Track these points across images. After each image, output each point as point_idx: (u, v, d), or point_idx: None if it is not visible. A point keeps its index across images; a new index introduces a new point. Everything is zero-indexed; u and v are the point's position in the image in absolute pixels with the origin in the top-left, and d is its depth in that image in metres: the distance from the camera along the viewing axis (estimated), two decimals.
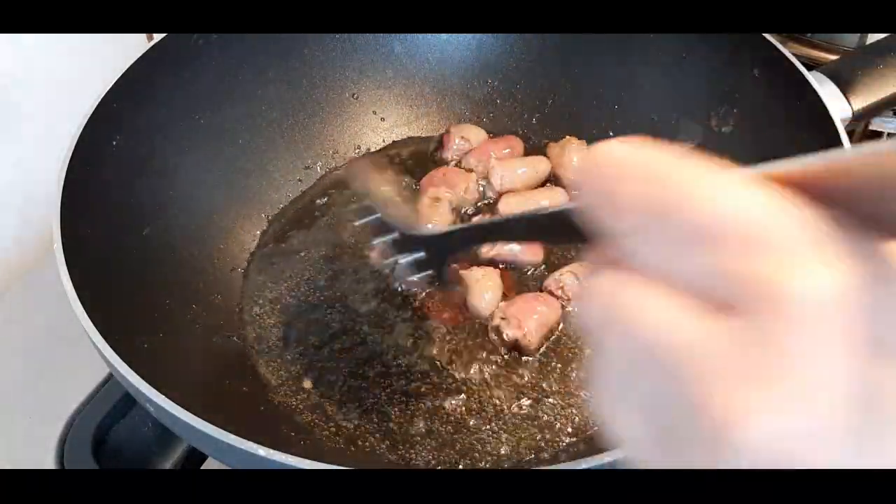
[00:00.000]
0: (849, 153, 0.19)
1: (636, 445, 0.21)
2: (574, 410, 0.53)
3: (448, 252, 0.44)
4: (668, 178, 0.21)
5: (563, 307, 0.57)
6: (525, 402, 0.53)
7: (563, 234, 0.27)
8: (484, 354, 0.56)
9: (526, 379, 0.55)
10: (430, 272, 0.45)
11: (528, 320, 0.55)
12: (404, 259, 0.45)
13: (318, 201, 0.68)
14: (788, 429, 0.18)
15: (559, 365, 0.55)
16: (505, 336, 0.55)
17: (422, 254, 0.45)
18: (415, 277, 0.45)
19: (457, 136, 0.69)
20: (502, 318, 0.56)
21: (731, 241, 0.19)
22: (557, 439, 0.52)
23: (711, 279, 0.20)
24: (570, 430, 0.52)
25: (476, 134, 0.70)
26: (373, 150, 0.72)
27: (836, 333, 0.18)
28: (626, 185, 0.21)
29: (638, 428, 0.21)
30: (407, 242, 0.46)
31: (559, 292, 0.57)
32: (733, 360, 0.18)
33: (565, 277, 0.57)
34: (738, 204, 0.19)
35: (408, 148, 0.72)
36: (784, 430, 0.18)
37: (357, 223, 0.50)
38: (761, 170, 0.20)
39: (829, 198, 0.20)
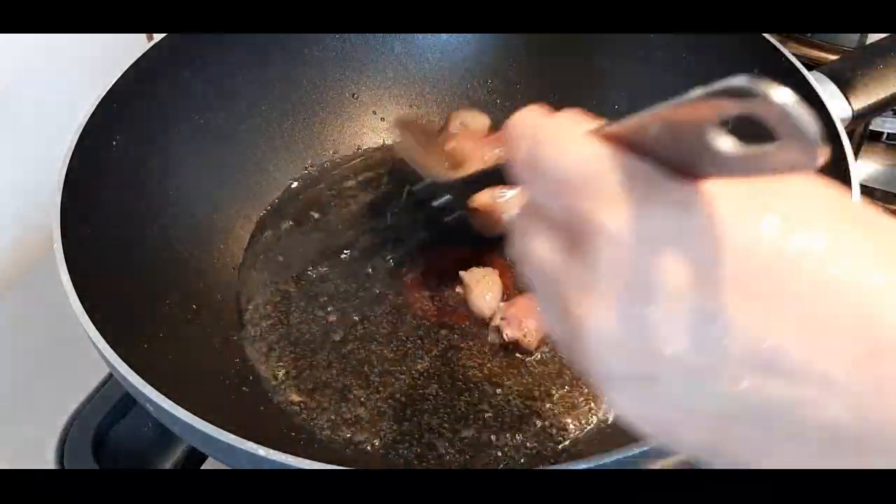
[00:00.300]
0: (651, 110, 0.24)
1: (556, 340, 0.28)
2: (573, 410, 0.53)
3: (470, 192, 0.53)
4: (537, 138, 0.27)
5: None
6: (525, 401, 0.53)
7: None
8: (484, 353, 0.56)
9: (526, 379, 0.55)
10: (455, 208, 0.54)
11: (528, 321, 0.55)
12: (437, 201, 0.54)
13: (318, 200, 0.68)
14: (610, 322, 0.24)
15: (559, 365, 0.55)
16: (505, 336, 0.55)
17: (448, 197, 0.54)
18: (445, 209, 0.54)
19: (456, 121, 0.69)
20: (502, 319, 0.56)
21: (568, 187, 0.26)
22: (558, 438, 0.52)
23: (564, 217, 0.26)
24: (570, 429, 0.52)
25: (478, 121, 0.69)
26: (373, 149, 0.72)
27: (628, 251, 0.24)
28: (519, 144, 0.28)
29: (555, 329, 0.28)
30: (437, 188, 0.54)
31: (510, 333, 0.56)
32: (578, 277, 0.25)
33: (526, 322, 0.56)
34: (574, 158, 0.26)
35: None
36: (609, 325, 0.24)
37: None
38: (598, 127, 0.26)
39: (644, 149, 0.25)
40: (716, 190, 0.23)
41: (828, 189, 0.24)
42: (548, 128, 0.28)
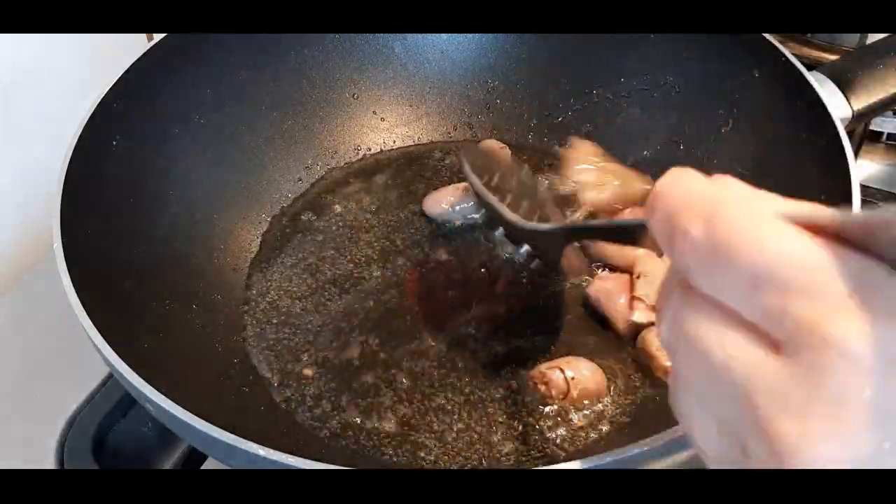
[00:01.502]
0: (887, 215, 0.21)
1: (711, 454, 0.24)
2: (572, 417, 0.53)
3: (556, 247, 0.46)
4: (718, 217, 0.23)
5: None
6: (529, 411, 0.53)
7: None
8: (485, 355, 0.56)
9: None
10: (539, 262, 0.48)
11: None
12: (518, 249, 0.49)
13: (318, 201, 0.68)
14: (839, 454, 0.20)
15: None
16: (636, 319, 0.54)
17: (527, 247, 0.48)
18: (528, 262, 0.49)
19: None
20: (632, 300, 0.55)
21: (776, 285, 0.21)
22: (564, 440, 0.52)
23: (761, 316, 0.22)
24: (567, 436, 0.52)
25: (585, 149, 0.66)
26: (373, 149, 0.72)
27: (868, 375, 0.20)
28: (687, 219, 0.23)
29: (713, 439, 0.23)
30: (516, 235, 0.48)
31: (543, 388, 0.53)
32: (790, 391, 0.21)
33: (552, 372, 0.52)
34: (784, 250, 0.21)
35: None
36: (836, 456, 0.20)
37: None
38: (803, 211, 0.22)
39: (859, 244, 0.21)
40: None
41: None
42: (731, 205, 0.23)
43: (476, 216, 0.64)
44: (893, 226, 0.20)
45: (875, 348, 0.20)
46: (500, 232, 0.49)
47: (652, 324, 0.54)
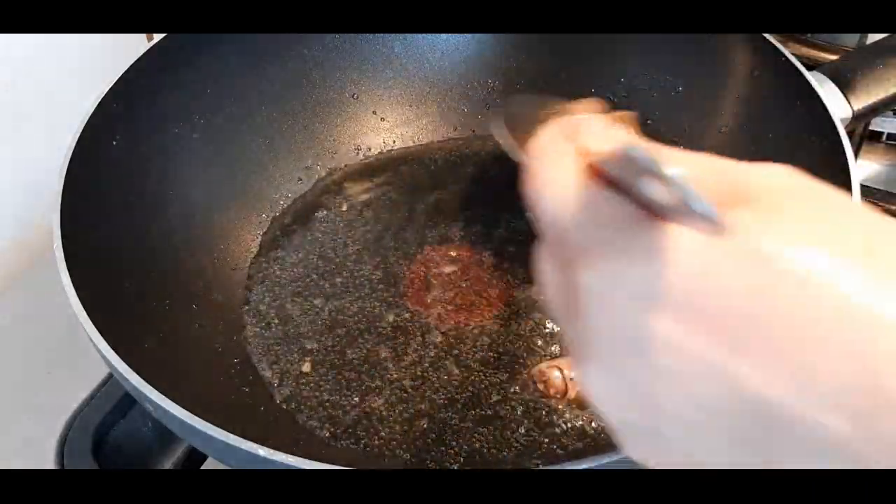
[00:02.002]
0: (626, 148, 0.22)
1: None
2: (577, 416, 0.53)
3: None
4: (536, 167, 0.27)
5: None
6: (527, 410, 0.53)
7: None
8: (486, 352, 0.56)
9: (531, 387, 0.55)
10: None
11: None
12: None
13: (318, 201, 0.68)
14: (603, 384, 0.24)
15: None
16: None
17: None
18: None
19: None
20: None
21: (555, 231, 0.25)
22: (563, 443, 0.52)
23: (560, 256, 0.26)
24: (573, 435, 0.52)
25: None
26: (373, 149, 0.72)
27: (609, 311, 0.23)
28: (531, 168, 0.27)
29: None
30: None
31: (542, 387, 0.53)
32: (576, 329, 0.25)
33: (551, 371, 0.53)
34: (559, 199, 0.25)
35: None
36: (600, 384, 0.24)
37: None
38: (590, 155, 0.25)
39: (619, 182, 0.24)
40: (678, 232, 0.22)
41: (807, 184, 0.23)
42: (548, 157, 0.27)
43: None
44: (631, 157, 0.22)
45: (612, 284, 0.23)
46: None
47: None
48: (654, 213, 0.23)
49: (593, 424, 0.52)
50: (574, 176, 0.25)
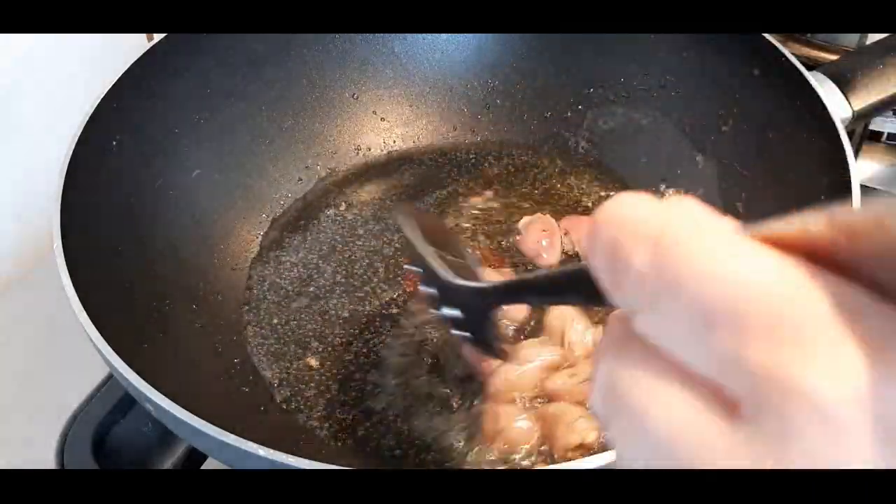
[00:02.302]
0: (855, 212, 0.16)
1: None
2: None
3: (487, 309, 0.39)
4: (669, 241, 0.18)
5: None
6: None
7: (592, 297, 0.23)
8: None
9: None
10: (468, 334, 0.40)
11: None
12: (443, 312, 0.41)
13: (318, 201, 0.68)
14: None
15: None
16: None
17: (458, 312, 0.40)
18: (455, 333, 0.41)
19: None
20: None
21: (736, 322, 0.16)
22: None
23: (716, 367, 0.17)
24: None
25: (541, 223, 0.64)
26: (373, 149, 0.72)
27: (852, 445, 0.15)
28: (632, 246, 0.18)
29: None
30: (448, 294, 0.40)
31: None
32: (751, 461, 0.16)
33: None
34: (744, 275, 0.16)
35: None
36: None
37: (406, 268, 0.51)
38: (767, 230, 0.17)
39: (833, 263, 0.16)
40: None
41: None
42: (684, 227, 0.18)
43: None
44: (885, 227, 0.15)
45: (863, 406, 0.15)
46: (429, 290, 0.41)
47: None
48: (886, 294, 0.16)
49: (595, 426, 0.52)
50: (766, 252, 0.17)
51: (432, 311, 0.41)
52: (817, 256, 0.17)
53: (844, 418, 0.15)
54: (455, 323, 0.40)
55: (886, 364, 0.15)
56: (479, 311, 0.39)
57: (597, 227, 0.19)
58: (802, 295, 0.16)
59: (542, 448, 0.49)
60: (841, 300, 0.16)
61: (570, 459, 0.46)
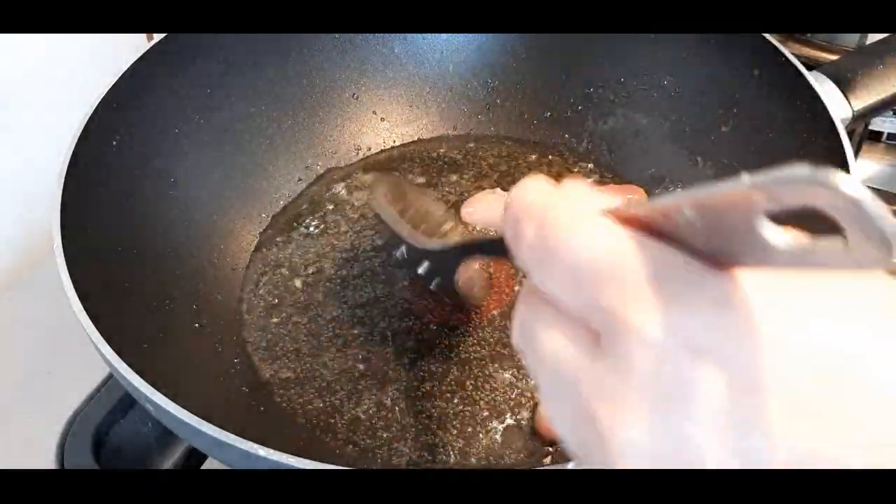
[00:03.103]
0: (687, 195, 0.21)
1: (573, 452, 0.25)
2: None
3: (451, 264, 0.49)
4: (547, 220, 0.24)
5: None
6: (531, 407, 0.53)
7: None
8: (488, 347, 0.56)
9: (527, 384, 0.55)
10: (437, 280, 0.51)
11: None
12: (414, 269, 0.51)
13: (318, 201, 0.68)
14: (646, 439, 0.22)
15: None
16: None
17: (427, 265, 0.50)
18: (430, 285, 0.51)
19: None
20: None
21: (589, 279, 0.23)
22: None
23: (582, 310, 0.23)
24: None
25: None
26: (373, 149, 0.72)
27: (662, 359, 0.21)
28: (525, 225, 0.25)
29: (569, 437, 0.25)
30: (415, 255, 0.51)
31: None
32: (605, 382, 0.22)
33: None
34: (596, 245, 0.23)
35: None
36: (643, 440, 0.22)
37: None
38: (617, 208, 0.23)
39: (671, 235, 0.22)
40: (755, 283, 0.21)
41: (882, 280, 0.22)
42: (559, 207, 0.24)
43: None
44: (682, 208, 0.21)
45: (668, 332, 0.21)
46: (400, 252, 0.52)
47: None
48: (719, 263, 0.22)
49: None
50: (612, 226, 0.23)
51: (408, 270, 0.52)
52: (652, 229, 0.23)
53: (659, 341, 0.21)
54: (426, 277, 0.50)
55: (688, 303, 0.21)
56: (444, 264, 0.49)
57: (506, 206, 0.26)
58: (634, 257, 0.22)
59: None
60: (661, 259, 0.22)
61: None
